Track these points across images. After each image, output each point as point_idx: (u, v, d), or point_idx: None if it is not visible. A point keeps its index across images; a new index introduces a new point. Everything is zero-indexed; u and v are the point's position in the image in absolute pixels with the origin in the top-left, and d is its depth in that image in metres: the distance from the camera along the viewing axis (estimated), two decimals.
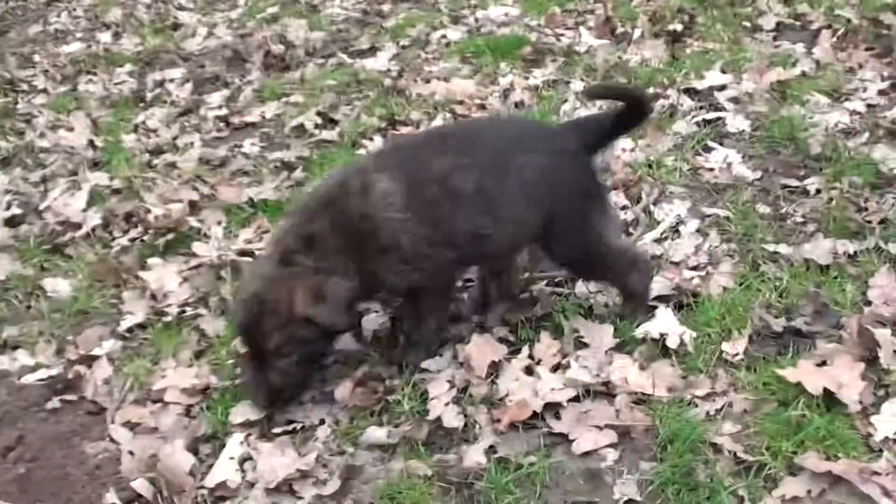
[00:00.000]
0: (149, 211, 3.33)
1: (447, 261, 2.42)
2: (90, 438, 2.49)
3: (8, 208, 3.51)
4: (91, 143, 4.00)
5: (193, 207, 3.39)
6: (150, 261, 3.13)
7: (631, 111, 2.51)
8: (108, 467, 2.40)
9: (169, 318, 2.88)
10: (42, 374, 2.67)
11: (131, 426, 2.52)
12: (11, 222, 3.41)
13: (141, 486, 2.31)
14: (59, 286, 3.05)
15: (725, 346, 2.42)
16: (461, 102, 3.83)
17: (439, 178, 2.36)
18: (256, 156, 3.71)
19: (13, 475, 2.37)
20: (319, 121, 3.94)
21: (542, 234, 2.49)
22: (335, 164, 3.48)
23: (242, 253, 3.07)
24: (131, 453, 2.41)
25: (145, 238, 3.29)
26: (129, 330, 2.88)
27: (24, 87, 4.74)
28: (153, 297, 2.99)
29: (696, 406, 2.27)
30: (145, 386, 2.65)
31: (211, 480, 2.31)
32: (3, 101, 4.45)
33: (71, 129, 4.11)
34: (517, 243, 2.55)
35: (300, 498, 2.24)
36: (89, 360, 2.71)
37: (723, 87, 3.68)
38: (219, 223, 3.31)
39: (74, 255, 3.22)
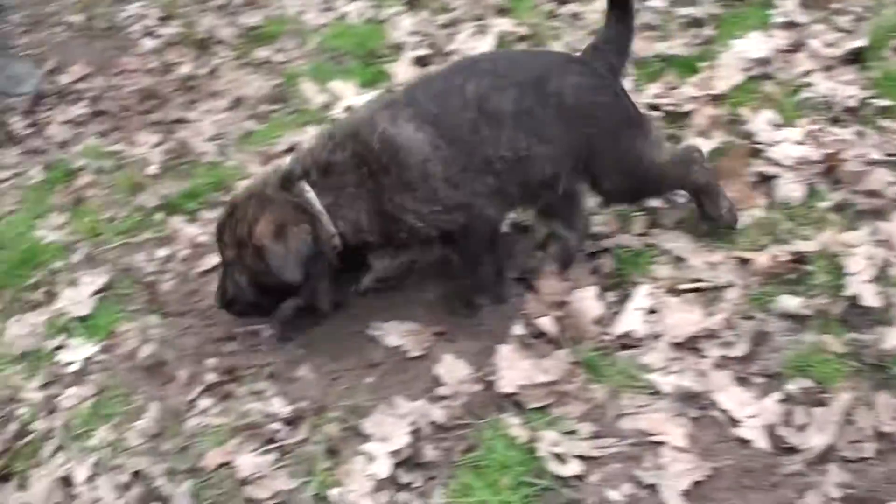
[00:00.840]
0: None
1: (485, 192, 2.20)
2: None
3: (415, 48, 3.56)
4: None
5: None
6: None
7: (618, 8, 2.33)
8: (516, 305, 2.43)
9: None
10: None
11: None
12: (420, 62, 3.47)
13: (547, 323, 2.31)
14: None
15: None
16: None
17: (475, 101, 2.18)
18: (663, 10, 3.54)
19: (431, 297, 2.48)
20: None
21: (588, 169, 2.31)
22: (745, 24, 3.25)
23: (651, 107, 2.97)
24: (536, 292, 2.41)
25: None
26: None
27: None
28: None
29: None
30: None
31: (616, 328, 2.31)
32: None
33: None
34: (558, 169, 2.29)
35: (704, 356, 2.17)
36: None
37: None
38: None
39: None
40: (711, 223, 2.46)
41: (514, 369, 2.25)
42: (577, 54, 2.45)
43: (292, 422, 2.19)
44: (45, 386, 2.47)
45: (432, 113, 2.17)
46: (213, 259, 2.65)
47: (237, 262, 2.22)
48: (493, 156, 2.19)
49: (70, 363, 2.48)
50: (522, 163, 2.21)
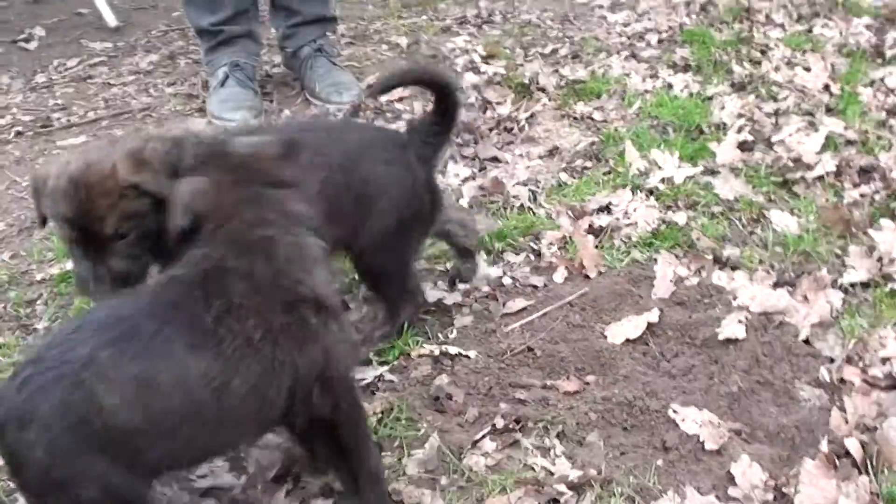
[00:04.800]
0: (889, 171, 3.19)
1: None
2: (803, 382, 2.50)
3: (739, 132, 3.54)
4: (826, 88, 3.93)
5: None
6: (882, 221, 2.98)
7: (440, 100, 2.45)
8: (818, 416, 2.38)
9: (895, 287, 2.73)
10: None
11: (842, 382, 2.45)
12: (743, 146, 3.44)
13: (853, 445, 2.24)
14: (784, 220, 3.05)
15: None
16: None
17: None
18: None
19: (734, 390, 2.43)
20: None
21: (361, 245, 2.43)
22: None
23: None
24: (842, 408, 2.34)
25: (877, 197, 3.15)
26: (852, 285, 2.77)
27: (760, 17, 4.77)
28: (879, 259, 2.85)
29: None
30: (860, 345, 2.53)
31: None
32: (739, 27, 4.52)
33: (807, 69, 4.06)
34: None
35: None
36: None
37: None
38: None
39: (802, 195, 3.19)
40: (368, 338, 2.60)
41: (815, 487, 2.17)
42: (399, 133, 2.65)
43: (577, 488, 2.19)
44: None
45: None
46: (518, 302, 2.71)
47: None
48: None
49: (360, 379, 2.55)
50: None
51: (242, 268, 1.85)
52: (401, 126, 3.71)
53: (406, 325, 2.64)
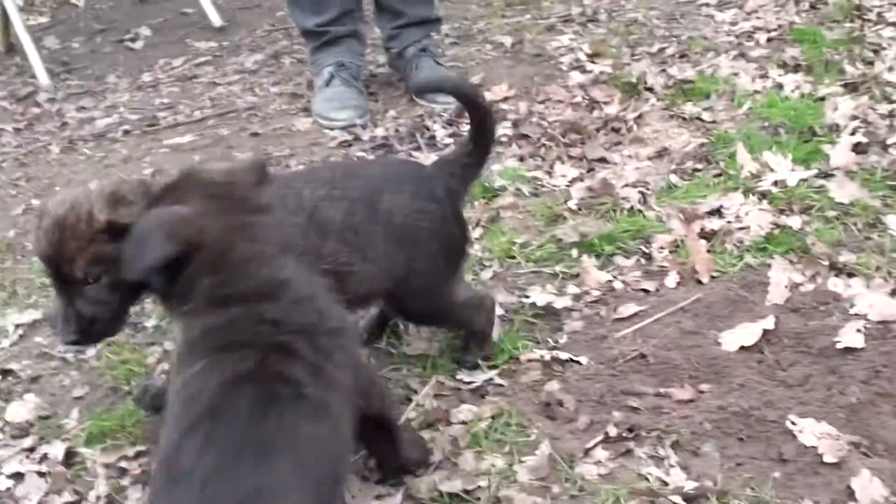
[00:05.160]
0: None
1: None
2: None
3: (853, 133, 3.46)
4: None
5: None
6: None
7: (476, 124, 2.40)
8: None
9: None
10: None
11: None
12: (857, 149, 3.36)
13: None
14: None
15: None
16: None
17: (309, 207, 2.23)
18: None
19: (853, 401, 2.40)
20: None
21: (395, 287, 2.35)
22: None
23: None
24: None
25: None
26: None
27: (872, 16, 4.65)
28: None
29: None
30: None
31: None
32: (850, 26, 4.41)
33: None
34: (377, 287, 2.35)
35: None
36: None
37: None
38: None
39: None
40: (461, 361, 2.59)
41: None
42: (426, 166, 2.61)
43: (693, 499, 2.17)
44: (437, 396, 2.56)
45: None
46: (630, 308, 2.69)
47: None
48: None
49: (469, 382, 2.56)
50: (342, 277, 2.19)
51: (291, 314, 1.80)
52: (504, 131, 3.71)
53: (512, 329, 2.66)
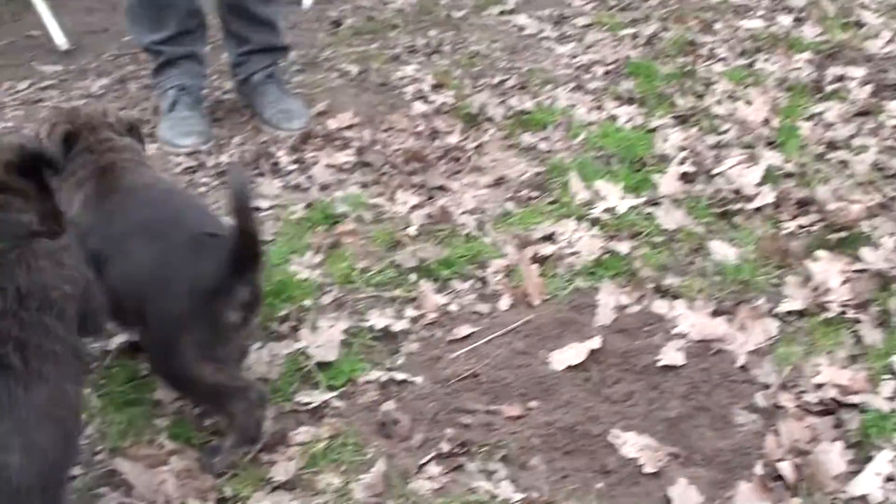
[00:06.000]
0: (825, 204, 3.33)
1: None
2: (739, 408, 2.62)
3: (681, 164, 3.67)
4: (767, 122, 4.08)
5: (867, 211, 3.33)
6: (818, 252, 3.11)
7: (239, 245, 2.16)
8: (753, 440, 2.51)
9: (829, 315, 2.86)
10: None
11: (777, 407, 2.60)
12: (685, 178, 3.57)
13: (786, 468, 2.37)
14: (724, 251, 3.17)
15: None
16: None
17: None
18: None
19: (672, 415, 2.55)
20: None
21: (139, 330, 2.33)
22: None
23: None
24: (776, 433, 2.46)
25: (813, 229, 3.29)
26: (788, 314, 2.90)
27: (704, 52, 4.92)
28: (815, 288, 2.98)
29: None
30: (795, 372, 2.69)
31: (853, 488, 2.34)
32: (683, 61, 4.66)
33: (749, 103, 4.22)
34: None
35: None
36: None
37: None
38: (891, 234, 3.22)
39: (742, 226, 3.32)
40: (209, 449, 2.47)
41: None
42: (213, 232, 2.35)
43: None
44: (276, 418, 2.61)
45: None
46: (464, 329, 2.80)
47: None
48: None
49: (307, 403, 2.62)
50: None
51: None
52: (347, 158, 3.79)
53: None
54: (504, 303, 2.99)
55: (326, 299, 3.04)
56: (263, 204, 3.59)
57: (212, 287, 2.18)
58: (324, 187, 3.71)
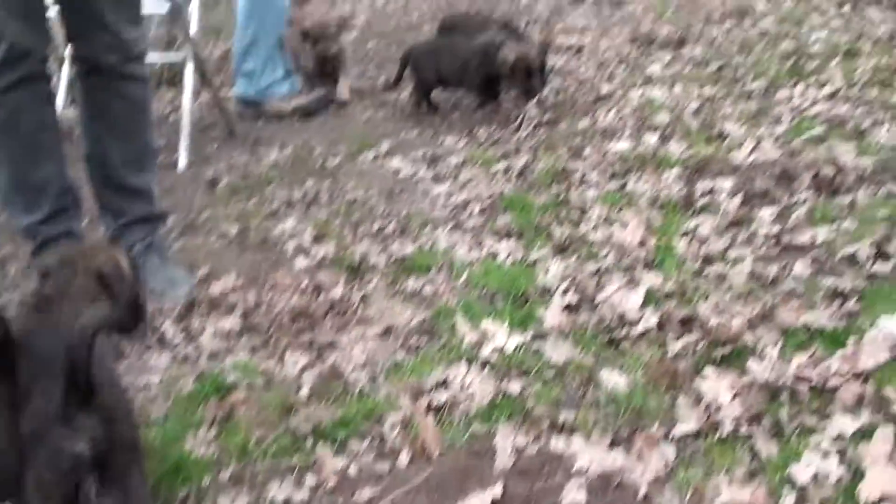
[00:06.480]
0: (707, 320, 3.43)
1: None
2: None
3: (564, 294, 3.76)
4: (643, 243, 4.21)
5: (749, 323, 3.44)
6: (706, 370, 3.20)
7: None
8: None
9: (723, 433, 2.93)
10: None
11: None
12: (569, 309, 3.65)
13: None
14: (614, 379, 3.22)
15: None
16: None
17: None
18: (807, 279, 3.71)
19: None
20: (872, 252, 3.86)
21: None
22: (889, 300, 3.39)
23: (798, 378, 3.08)
24: None
25: (699, 347, 3.38)
26: (683, 437, 2.96)
27: (576, 178, 5.09)
28: (706, 407, 3.05)
29: None
30: (696, 496, 2.72)
31: None
32: (556, 189, 4.81)
33: (624, 226, 4.36)
34: None
35: None
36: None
37: None
38: (774, 343, 3.33)
39: (629, 352, 3.39)
40: None
41: None
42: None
43: None
44: None
45: None
46: (365, 493, 2.78)
47: None
48: None
49: None
50: None
51: None
52: (233, 323, 3.78)
53: None
54: (403, 458, 2.99)
55: (224, 475, 2.98)
56: (153, 380, 3.52)
57: None
58: (212, 356, 3.68)
